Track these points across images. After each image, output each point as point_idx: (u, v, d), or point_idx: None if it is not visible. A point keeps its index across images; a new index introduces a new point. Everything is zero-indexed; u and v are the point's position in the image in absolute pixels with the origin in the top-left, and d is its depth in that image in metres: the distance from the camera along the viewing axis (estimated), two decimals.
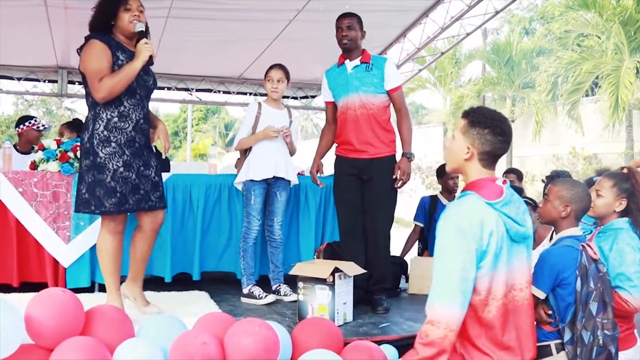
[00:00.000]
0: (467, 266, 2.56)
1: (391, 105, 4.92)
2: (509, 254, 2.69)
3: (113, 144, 3.99)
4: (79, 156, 4.55)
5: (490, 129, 2.72)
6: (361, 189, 4.86)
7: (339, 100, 4.93)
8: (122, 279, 4.33)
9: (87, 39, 4.04)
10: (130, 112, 4.05)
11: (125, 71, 3.93)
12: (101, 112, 4.00)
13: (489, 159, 2.77)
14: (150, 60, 4.05)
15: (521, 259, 2.77)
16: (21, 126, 6.67)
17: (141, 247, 4.32)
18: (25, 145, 6.59)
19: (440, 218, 2.69)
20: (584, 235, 3.37)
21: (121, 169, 4.00)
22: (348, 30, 4.85)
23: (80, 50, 4.07)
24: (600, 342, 2.99)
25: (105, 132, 3.98)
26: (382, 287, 4.83)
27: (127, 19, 4.03)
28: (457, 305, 2.54)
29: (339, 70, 4.96)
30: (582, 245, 3.15)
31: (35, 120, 6.72)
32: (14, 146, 6.45)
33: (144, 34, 4.06)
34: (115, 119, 4.00)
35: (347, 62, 4.90)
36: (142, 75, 4.08)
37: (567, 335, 3.06)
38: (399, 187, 4.81)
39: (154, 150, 4.35)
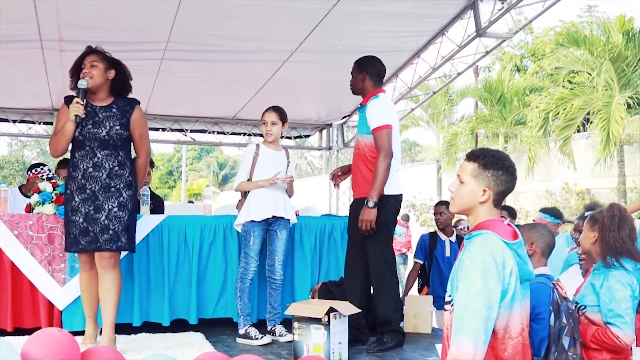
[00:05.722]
0: (492, 304, 2.54)
1: None
2: (521, 294, 2.70)
3: (68, 192, 4.42)
4: None
5: (503, 169, 2.73)
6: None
7: None
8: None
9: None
10: (79, 163, 4.38)
11: (60, 131, 4.34)
12: (69, 166, 4.47)
13: (501, 199, 2.79)
14: (91, 113, 4.35)
15: (528, 298, 2.79)
16: (30, 172, 6.85)
17: (99, 287, 4.46)
18: (30, 189, 6.67)
19: (464, 256, 2.66)
20: (552, 275, 3.48)
21: (69, 214, 4.38)
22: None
23: None
24: None
25: (66, 183, 4.46)
26: (385, 329, 4.77)
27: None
28: (481, 343, 2.50)
29: None
30: (553, 284, 3.27)
31: (42, 169, 6.82)
32: (20, 188, 6.82)
33: (85, 92, 4.31)
34: (71, 170, 4.42)
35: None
36: (89, 128, 4.35)
37: None
38: (365, 234, 4.71)
39: (122, 194, 4.42)
